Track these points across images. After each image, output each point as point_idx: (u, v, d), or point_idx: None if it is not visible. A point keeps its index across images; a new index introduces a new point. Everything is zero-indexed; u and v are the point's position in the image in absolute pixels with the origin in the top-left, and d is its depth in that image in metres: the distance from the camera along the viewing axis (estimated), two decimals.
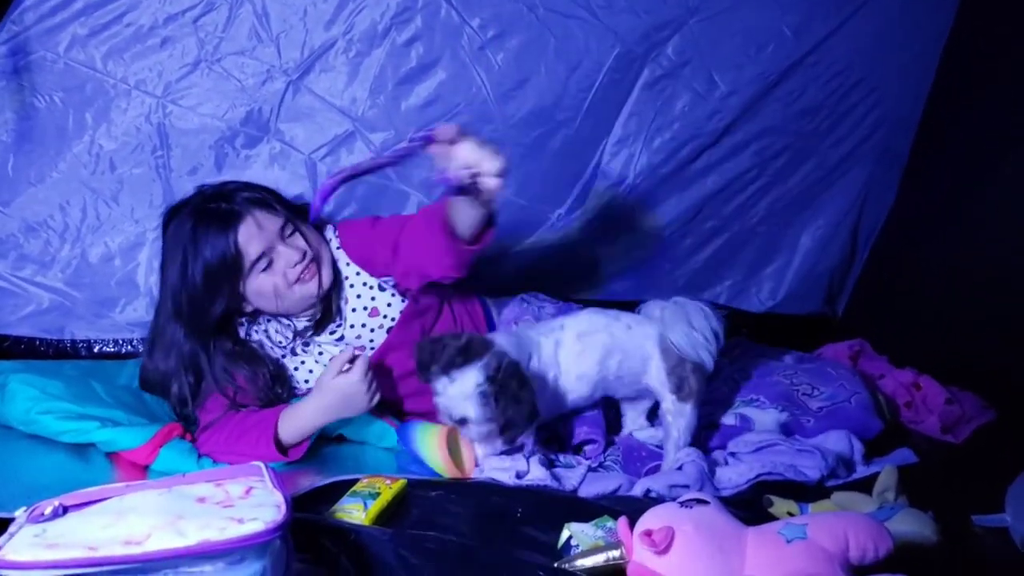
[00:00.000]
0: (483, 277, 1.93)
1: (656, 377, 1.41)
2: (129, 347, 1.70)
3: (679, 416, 1.39)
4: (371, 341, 1.54)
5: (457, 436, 1.35)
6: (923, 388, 1.79)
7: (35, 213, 1.62)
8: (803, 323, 2.22)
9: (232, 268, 1.41)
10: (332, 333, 1.53)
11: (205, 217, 1.41)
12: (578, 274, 2.02)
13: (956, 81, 2.01)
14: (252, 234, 1.42)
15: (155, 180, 1.66)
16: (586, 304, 1.87)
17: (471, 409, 1.26)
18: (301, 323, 1.52)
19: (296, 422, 1.37)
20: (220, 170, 1.67)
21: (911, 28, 1.99)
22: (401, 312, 1.54)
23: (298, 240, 1.46)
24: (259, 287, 1.45)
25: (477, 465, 1.34)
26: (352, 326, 1.53)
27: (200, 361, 1.44)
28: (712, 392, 1.53)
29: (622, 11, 1.79)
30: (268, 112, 1.67)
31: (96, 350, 1.69)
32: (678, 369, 1.39)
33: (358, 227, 1.56)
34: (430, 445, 1.35)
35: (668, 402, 1.40)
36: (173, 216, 1.46)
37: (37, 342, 1.65)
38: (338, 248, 1.54)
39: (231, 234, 1.40)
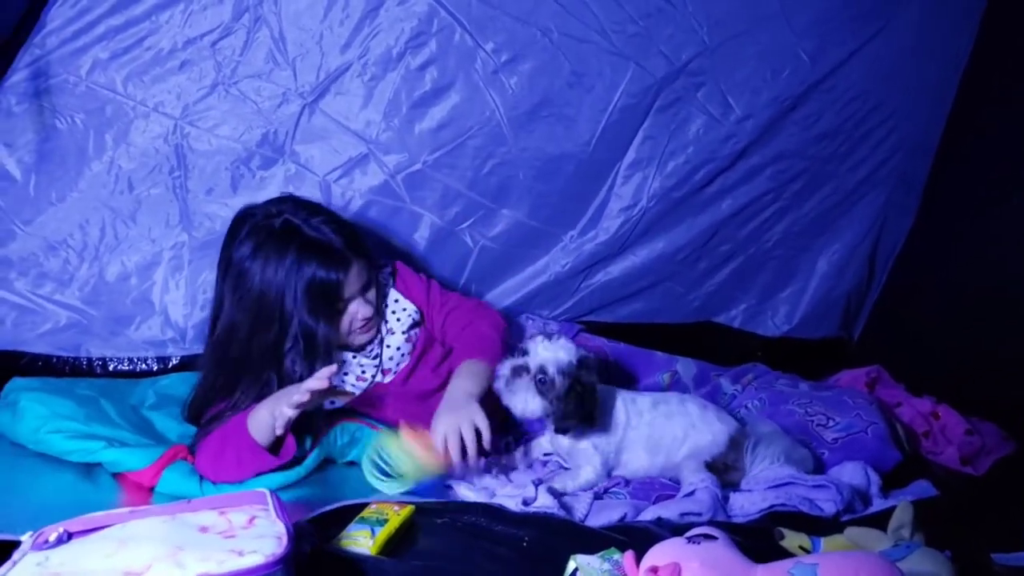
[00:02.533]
0: (494, 297, 1.95)
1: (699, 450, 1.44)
2: (143, 365, 1.72)
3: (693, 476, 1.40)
4: (398, 364, 1.58)
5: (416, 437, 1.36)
6: (941, 418, 1.77)
7: (55, 232, 1.63)
8: (819, 348, 2.20)
9: (334, 299, 1.43)
10: (369, 353, 1.56)
11: (315, 246, 1.42)
12: (590, 296, 2.01)
13: (974, 106, 1.99)
14: (351, 281, 1.46)
15: (172, 200, 1.67)
16: (592, 327, 1.89)
17: (552, 370, 1.36)
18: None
19: (256, 419, 1.34)
20: (235, 191, 1.68)
21: (929, 53, 1.97)
22: (420, 341, 1.60)
23: (372, 296, 1.51)
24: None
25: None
26: (388, 346, 1.57)
27: (258, 377, 1.41)
28: None
29: (636, 35, 1.78)
30: (284, 134, 1.68)
31: (111, 368, 1.70)
32: (728, 461, 1.43)
33: (414, 282, 1.64)
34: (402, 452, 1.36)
35: (689, 471, 1.41)
36: (254, 225, 1.43)
37: (54, 359, 1.66)
38: (392, 286, 1.61)
39: (340, 272, 1.43)
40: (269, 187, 1.69)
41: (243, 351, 1.41)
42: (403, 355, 1.58)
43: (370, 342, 1.56)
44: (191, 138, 1.65)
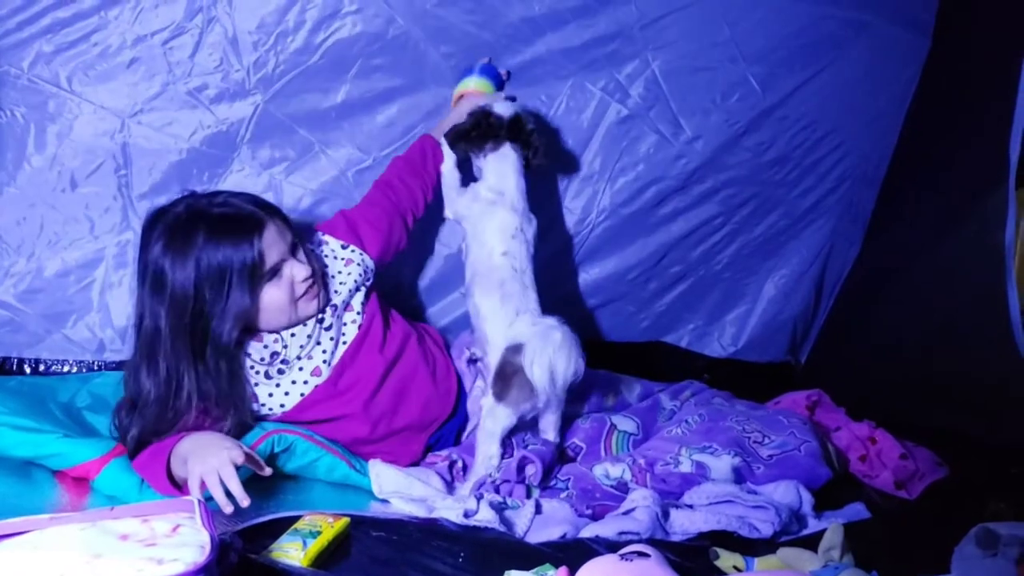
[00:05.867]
0: (441, 313, 1.94)
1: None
2: (80, 365, 1.67)
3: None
4: (343, 336, 1.54)
5: None
6: (878, 442, 1.80)
7: None
8: (765, 370, 2.23)
9: (252, 275, 1.36)
10: (320, 322, 1.51)
11: (223, 221, 1.36)
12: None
13: (919, 140, 2.05)
14: (273, 241, 1.39)
15: (117, 199, 1.64)
16: None
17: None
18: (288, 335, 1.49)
19: (177, 460, 1.28)
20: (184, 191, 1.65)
21: (877, 87, 2.03)
22: (363, 313, 1.57)
23: (303, 257, 1.47)
24: (268, 299, 1.42)
25: None
26: (345, 323, 1.54)
27: (187, 381, 1.36)
28: (662, 434, 1.58)
29: (588, 49, 1.80)
30: (235, 134, 1.66)
31: (46, 367, 1.66)
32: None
33: (338, 227, 1.63)
34: None
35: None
36: (161, 223, 1.38)
37: None
38: (323, 247, 1.58)
39: (255, 239, 1.36)
40: (219, 187, 1.66)
41: (170, 343, 1.35)
42: (345, 325, 1.54)
43: (321, 311, 1.51)
44: (138, 136, 1.62)
